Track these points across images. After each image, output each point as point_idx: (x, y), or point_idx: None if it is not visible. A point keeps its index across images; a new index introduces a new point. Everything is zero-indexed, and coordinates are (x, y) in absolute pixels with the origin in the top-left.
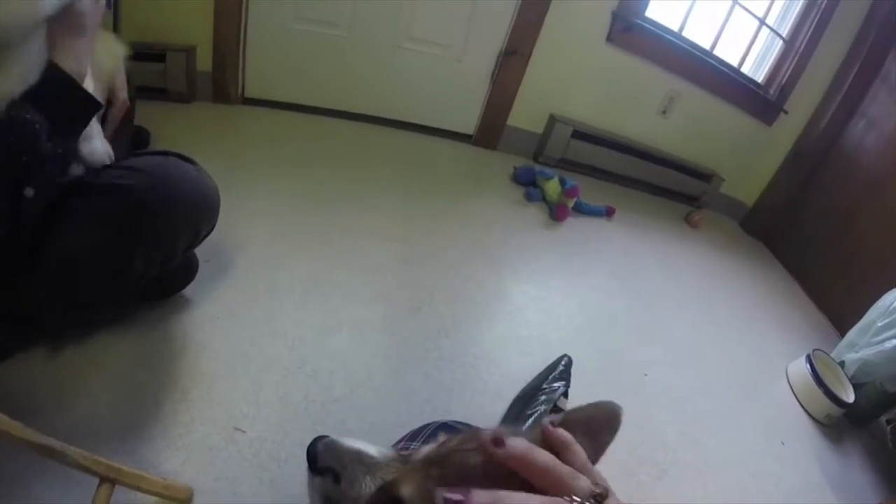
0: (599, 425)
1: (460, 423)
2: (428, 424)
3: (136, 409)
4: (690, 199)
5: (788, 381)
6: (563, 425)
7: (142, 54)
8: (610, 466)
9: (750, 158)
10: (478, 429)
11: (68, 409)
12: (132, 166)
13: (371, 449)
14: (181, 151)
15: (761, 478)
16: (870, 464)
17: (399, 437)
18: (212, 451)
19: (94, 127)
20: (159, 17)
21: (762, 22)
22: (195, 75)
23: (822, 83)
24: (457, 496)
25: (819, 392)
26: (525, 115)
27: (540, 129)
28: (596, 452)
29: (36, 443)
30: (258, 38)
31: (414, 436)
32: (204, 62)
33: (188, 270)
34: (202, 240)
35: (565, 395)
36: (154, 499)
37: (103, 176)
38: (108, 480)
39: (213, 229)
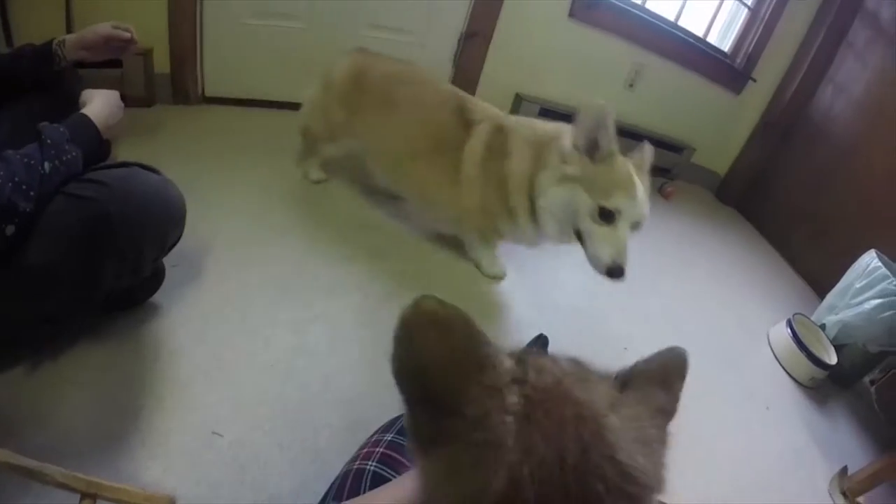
0: (671, 373)
1: None
2: (401, 415)
3: (113, 421)
4: (663, 172)
5: (770, 347)
6: (637, 378)
7: (98, 61)
8: None
9: (720, 128)
10: None
11: (46, 427)
12: (95, 179)
13: None
14: (142, 160)
15: (749, 444)
16: (856, 424)
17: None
18: (191, 458)
19: None
20: (112, 20)
21: None
22: (153, 78)
23: (789, 50)
24: None
25: (801, 356)
26: (491, 96)
27: (507, 110)
28: (671, 401)
29: (12, 464)
30: (215, 36)
31: (388, 427)
32: (161, 64)
33: (155, 277)
34: (170, 248)
35: None
36: None
37: (67, 189)
38: (89, 496)
39: (180, 237)
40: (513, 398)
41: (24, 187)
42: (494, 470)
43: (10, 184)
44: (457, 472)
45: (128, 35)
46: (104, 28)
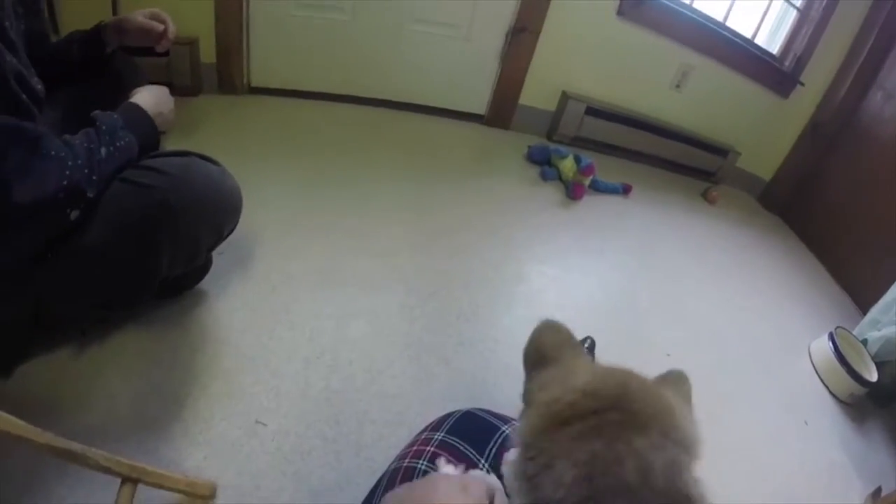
0: (676, 380)
1: (485, 410)
2: (451, 413)
3: (156, 407)
4: (707, 175)
5: (811, 360)
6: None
7: (144, 50)
8: None
9: (766, 132)
10: (504, 416)
11: (89, 410)
12: (154, 167)
13: None
14: (199, 150)
15: (785, 457)
16: (893, 443)
17: (422, 426)
18: (233, 446)
19: None
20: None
21: None
22: (200, 68)
23: (839, 54)
24: None
25: (842, 371)
26: (537, 93)
27: (553, 107)
28: (686, 400)
29: (56, 447)
30: (261, 27)
31: (438, 425)
32: (207, 54)
33: (203, 265)
34: (225, 238)
35: None
36: (178, 496)
37: (125, 175)
38: (131, 480)
39: (235, 227)
40: (587, 358)
41: (86, 171)
42: (573, 382)
43: (76, 169)
44: (550, 384)
45: (161, 28)
46: (139, 18)
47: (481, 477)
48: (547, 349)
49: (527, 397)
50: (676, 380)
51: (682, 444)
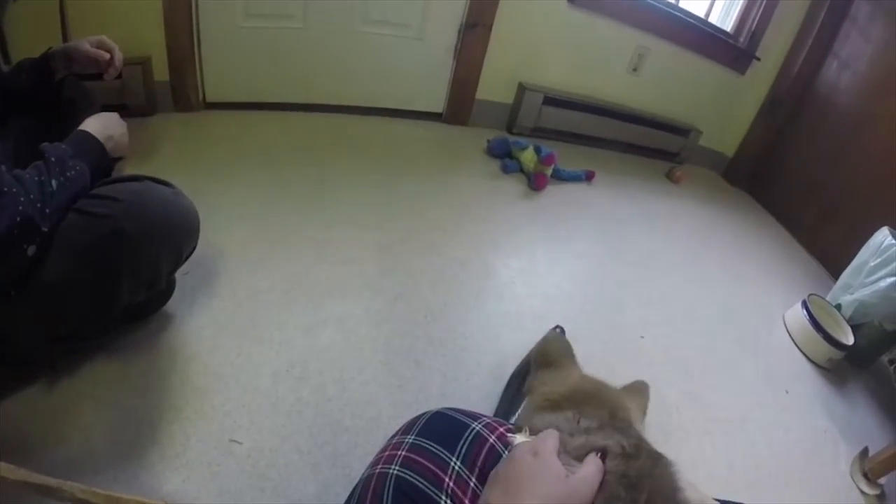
0: (639, 388)
1: (455, 409)
2: (421, 415)
3: (130, 434)
4: (670, 156)
5: (786, 329)
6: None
7: (96, 74)
8: None
9: (726, 109)
10: (473, 413)
11: (64, 444)
12: (107, 195)
13: None
14: (147, 169)
15: (768, 429)
16: (875, 404)
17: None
18: (210, 467)
19: None
20: (109, 32)
21: None
22: (154, 86)
23: (792, 27)
24: None
25: (818, 337)
26: (493, 86)
27: (510, 100)
28: (641, 403)
29: (32, 483)
30: (212, 41)
31: (408, 428)
32: (160, 72)
33: (166, 288)
34: (185, 260)
35: None
36: None
37: (80, 206)
38: None
39: (194, 249)
40: (578, 368)
41: (38, 205)
42: (567, 382)
43: (28, 204)
44: (550, 381)
45: (107, 57)
46: (85, 46)
47: (545, 435)
48: (552, 356)
49: (530, 387)
50: (639, 388)
51: (622, 422)
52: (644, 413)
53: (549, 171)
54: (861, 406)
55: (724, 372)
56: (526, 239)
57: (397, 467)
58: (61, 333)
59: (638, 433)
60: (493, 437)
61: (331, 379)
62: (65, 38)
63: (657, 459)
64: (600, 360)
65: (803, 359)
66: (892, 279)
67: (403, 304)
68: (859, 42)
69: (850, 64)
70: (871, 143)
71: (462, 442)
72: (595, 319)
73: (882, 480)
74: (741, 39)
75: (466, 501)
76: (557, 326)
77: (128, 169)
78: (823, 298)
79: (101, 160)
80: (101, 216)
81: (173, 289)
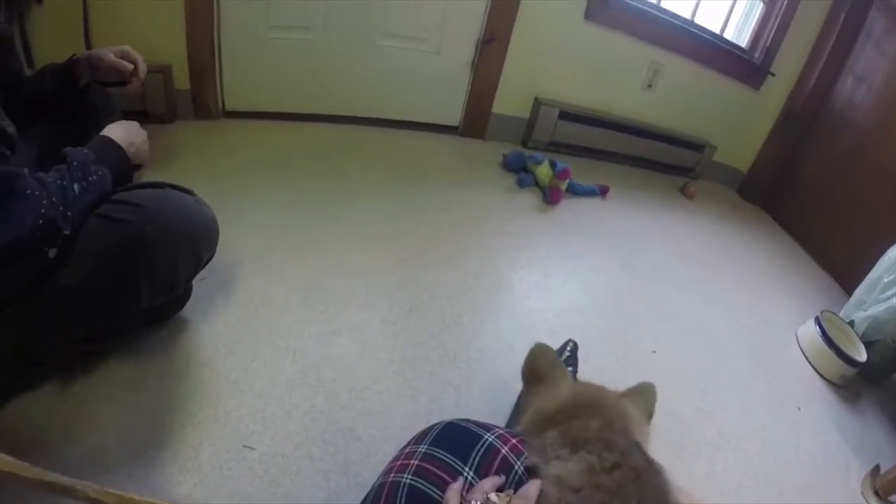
0: (643, 391)
1: (468, 420)
2: (434, 425)
3: (144, 436)
4: (684, 171)
5: (799, 346)
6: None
7: (118, 81)
8: None
9: (741, 124)
10: (486, 424)
11: (77, 443)
12: (129, 201)
13: None
14: (166, 176)
15: (780, 445)
16: (887, 421)
17: (407, 440)
18: (222, 471)
19: None
20: (131, 40)
21: None
22: (174, 94)
23: (807, 43)
24: None
25: (831, 353)
26: (510, 101)
27: (526, 114)
28: (646, 407)
29: (45, 481)
30: (233, 51)
31: (421, 438)
32: (181, 80)
33: (184, 292)
34: (204, 266)
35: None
36: None
37: (101, 210)
38: None
39: (213, 256)
40: (569, 378)
41: (61, 208)
42: (560, 390)
43: (51, 207)
44: (541, 394)
45: (130, 67)
46: (109, 56)
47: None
48: (540, 371)
49: (523, 403)
50: (643, 391)
51: (624, 432)
52: (650, 416)
53: (564, 186)
54: (873, 423)
55: (736, 387)
56: (540, 253)
57: (410, 476)
58: (79, 336)
59: (628, 442)
60: (505, 448)
61: (345, 387)
62: (87, 46)
63: (645, 466)
64: (612, 375)
65: (816, 375)
66: None
67: (418, 315)
68: (874, 57)
69: (865, 79)
70: (886, 159)
71: (475, 452)
72: (608, 334)
73: (893, 498)
74: (756, 55)
75: None
76: (570, 340)
77: (147, 175)
78: (836, 315)
79: (123, 166)
80: (123, 221)
81: (190, 294)
